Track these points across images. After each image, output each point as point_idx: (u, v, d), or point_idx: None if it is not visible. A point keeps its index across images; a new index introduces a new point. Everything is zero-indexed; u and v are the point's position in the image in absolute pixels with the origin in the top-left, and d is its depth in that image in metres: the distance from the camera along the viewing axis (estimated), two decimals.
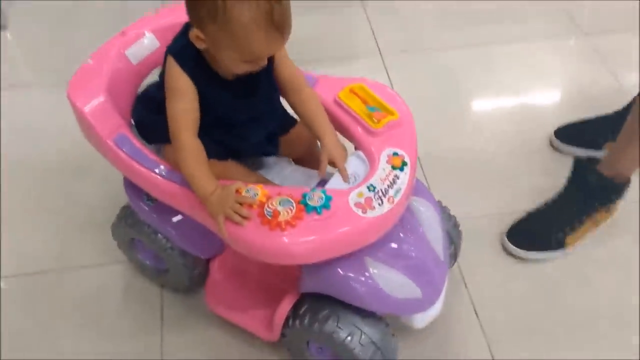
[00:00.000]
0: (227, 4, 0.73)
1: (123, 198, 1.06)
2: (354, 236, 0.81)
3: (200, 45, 0.80)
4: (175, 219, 0.97)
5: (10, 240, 1.21)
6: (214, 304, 1.03)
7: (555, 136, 1.37)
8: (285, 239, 0.78)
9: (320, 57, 1.57)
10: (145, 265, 1.11)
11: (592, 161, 1.18)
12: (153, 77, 0.96)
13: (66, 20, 1.75)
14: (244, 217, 0.78)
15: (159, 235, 1.00)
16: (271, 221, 0.78)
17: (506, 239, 1.19)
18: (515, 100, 1.51)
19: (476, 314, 1.10)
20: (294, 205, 0.79)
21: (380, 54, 1.60)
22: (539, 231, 1.19)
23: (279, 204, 0.79)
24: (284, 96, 0.93)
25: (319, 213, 0.79)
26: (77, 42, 1.63)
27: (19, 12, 1.75)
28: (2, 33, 1.70)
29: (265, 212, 0.79)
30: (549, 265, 1.17)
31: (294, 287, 0.95)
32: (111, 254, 1.15)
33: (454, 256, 1.10)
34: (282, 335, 0.96)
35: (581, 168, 1.19)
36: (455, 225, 1.08)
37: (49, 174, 1.33)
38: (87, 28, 1.69)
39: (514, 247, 1.18)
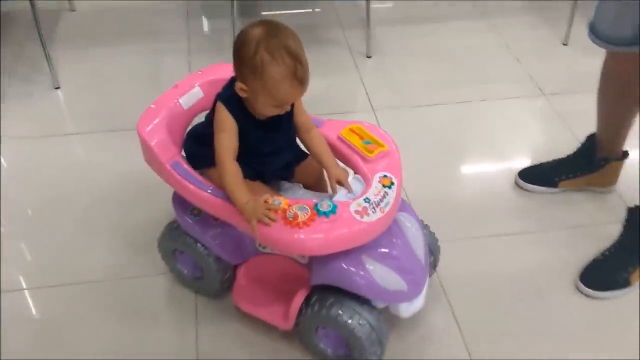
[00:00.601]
0: (264, 64, 1.01)
1: (165, 219, 1.33)
2: (353, 235, 1.05)
3: (242, 94, 1.07)
4: (213, 231, 1.22)
5: (73, 254, 1.46)
6: (239, 301, 1.26)
7: (519, 176, 1.64)
8: (302, 235, 1.03)
9: (324, 113, 1.86)
10: (183, 274, 1.35)
11: None
12: (198, 119, 1.25)
13: (106, 81, 2.06)
14: (272, 220, 1.04)
15: (199, 244, 1.24)
16: (292, 222, 1.03)
17: (580, 282, 1.37)
18: (489, 148, 1.80)
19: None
20: (309, 210, 1.05)
21: (373, 110, 1.91)
22: (608, 272, 1.37)
23: (298, 209, 1.05)
24: (298, 134, 1.21)
25: (327, 217, 1.04)
26: (114, 98, 1.96)
27: (68, 76, 2.07)
28: (57, 92, 2.01)
29: (287, 215, 1.04)
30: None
31: (304, 286, 1.19)
32: (155, 267, 1.40)
33: (433, 265, 1.34)
34: (296, 324, 1.19)
35: (635, 215, 1.39)
36: (435, 239, 1.34)
37: (104, 201, 1.60)
38: (123, 88, 2.01)
39: (590, 290, 1.36)
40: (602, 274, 1.39)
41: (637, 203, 1.41)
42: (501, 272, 1.43)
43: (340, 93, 1.99)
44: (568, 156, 1.62)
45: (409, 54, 2.18)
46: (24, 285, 1.41)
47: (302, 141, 1.22)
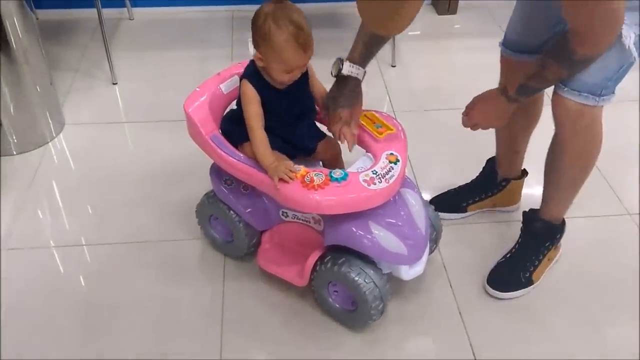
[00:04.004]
0: (271, 31, 1.19)
1: (202, 191, 1.53)
2: (360, 200, 1.22)
3: (259, 63, 1.26)
4: (243, 199, 1.41)
5: (125, 221, 1.69)
6: (263, 262, 1.45)
7: (430, 202, 1.61)
8: (317, 197, 1.20)
9: None
10: (215, 238, 1.54)
11: (535, 211, 1.47)
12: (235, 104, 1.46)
13: (158, 80, 2.32)
14: (291, 179, 1.22)
15: (231, 211, 1.43)
16: (309, 185, 1.21)
17: (487, 285, 1.46)
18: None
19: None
20: (324, 176, 1.23)
21: (394, 112, 2.09)
22: (511, 274, 1.46)
23: (315, 175, 1.23)
24: (316, 102, 1.39)
25: (339, 182, 1.22)
26: (163, 95, 2.21)
27: (125, 74, 2.33)
28: (115, 87, 2.28)
29: (305, 179, 1.22)
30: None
31: (319, 248, 1.36)
32: (191, 233, 1.62)
33: (434, 241, 1.49)
34: (310, 282, 1.36)
35: (529, 218, 1.48)
36: (437, 217, 1.49)
37: (151, 178, 1.83)
38: (171, 86, 2.25)
39: (495, 291, 1.45)
40: (506, 276, 1.47)
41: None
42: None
43: (368, 96, 2.15)
44: (472, 181, 1.70)
45: (429, 66, 2.38)
46: (83, 242, 1.64)
47: (319, 105, 1.41)
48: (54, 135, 2.03)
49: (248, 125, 1.29)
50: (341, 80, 1.35)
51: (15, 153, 1.95)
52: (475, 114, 1.36)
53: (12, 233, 1.64)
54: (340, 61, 1.33)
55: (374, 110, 1.43)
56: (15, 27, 1.82)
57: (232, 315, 1.42)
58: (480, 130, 1.40)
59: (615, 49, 1.16)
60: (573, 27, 1.11)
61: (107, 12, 2.25)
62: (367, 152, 1.36)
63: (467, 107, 1.38)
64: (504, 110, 1.31)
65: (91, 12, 2.24)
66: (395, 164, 1.29)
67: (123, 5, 2.65)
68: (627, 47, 1.15)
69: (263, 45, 1.23)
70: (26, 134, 1.97)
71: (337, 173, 1.24)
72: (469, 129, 1.40)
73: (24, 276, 1.52)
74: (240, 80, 1.32)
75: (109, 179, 1.84)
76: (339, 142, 1.39)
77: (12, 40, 1.82)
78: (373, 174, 1.25)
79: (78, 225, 1.69)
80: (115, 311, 1.44)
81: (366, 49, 1.33)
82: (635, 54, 1.18)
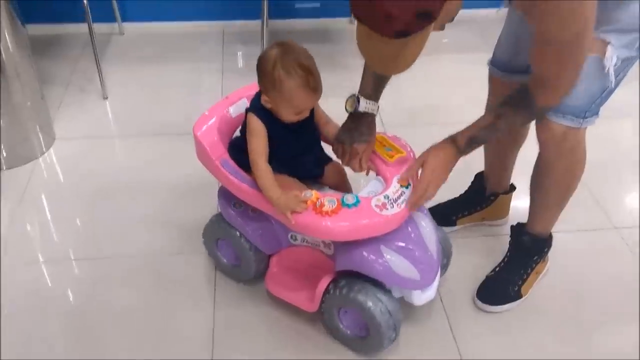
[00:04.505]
0: (281, 79, 1.18)
1: (210, 212, 1.52)
2: (373, 225, 1.22)
3: (267, 106, 1.25)
4: (251, 223, 1.39)
5: (115, 235, 1.68)
6: (272, 287, 1.43)
7: None
8: (329, 223, 1.19)
9: None
10: (222, 261, 1.52)
11: (523, 225, 1.49)
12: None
13: (149, 94, 2.30)
14: (303, 209, 1.20)
15: (240, 234, 1.41)
16: (321, 211, 1.20)
17: (477, 298, 1.48)
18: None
19: None
20: (336, 202, 1.22)
21: (382, 125, 2.07)
22: (500, 288, 1.48)
23: (327, 201, 1.22)
24: (319, 128, 1.38)
25: (350, 208, 1.21)
26: (154, 109, 2.20)
27: (115, 88, 2.30)
28: (106, 102, 2.25)
29: (317, 204, 1.21)
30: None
31: (329, 273, 1.35)
32: (183, 247, 1.62)
33: (445, 267, 1.49)
34: (320, 308, 1.34)
35: (516, 232, 1.50)
36: (449, 243, 1.49)
37: (141, 192, 1.83)
38: (163, 100, 2.24)
39: (484, 304, 1.47)
40: (495, 290, 1.49)
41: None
42: None
43: None
44: (461, 195, 1.72)
45: (419, 79, 2.38)
46: (72, 256, 1.62)
47: (323, 132, 1.40)
48: (44, 149, 2.00)
49: (251, 159, 1.27)
50: (357, 115, 1.34)
51: (5, 168, 1.91)
52: (427, 170, 1.26)
53: (2, 247, 1.63)
54: (355, 98, 1.32)
55: (383, 133, 1.43)
56: (6, 41, 1.79)
57: (226, 340, 1.41)
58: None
59: (597, 73, 1.19)
60: (536, 72, 1.14)
61: (98, 27, 2.22)
62: (377, 175, 1.36)
63: (417, 161, 1.29)
64: (452, 161, 1.26)
65: (82, 27, 2.22)
66: (407, 188, 1.29)
67: (114, 20, 2.62)
68: (606, 70, 1.19)
69: (272, 91, 1.22)
70: (16, 148, 1.93)
71: (349, 199, 1.23)
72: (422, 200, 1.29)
73: (14, 290, 1.51)
74: (246, 112, 1.31)
75: (99, 193, 1.83)
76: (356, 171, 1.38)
77: (3, 54, 1.79)
78: (385, 198, 1.25)
79: (67, 240, 1.68)
80: (103, 325, 1.43)
81: (376, 81, 1.34)
82: (612, 79, 1.21)
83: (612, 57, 1.18)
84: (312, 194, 1.24)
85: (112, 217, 1.74)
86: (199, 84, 2.36)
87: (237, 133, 1.40)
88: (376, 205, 1.23)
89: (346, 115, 1.37)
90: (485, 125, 1.24)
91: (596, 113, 1.27)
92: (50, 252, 1.63)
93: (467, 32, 2.74)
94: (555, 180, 1.37)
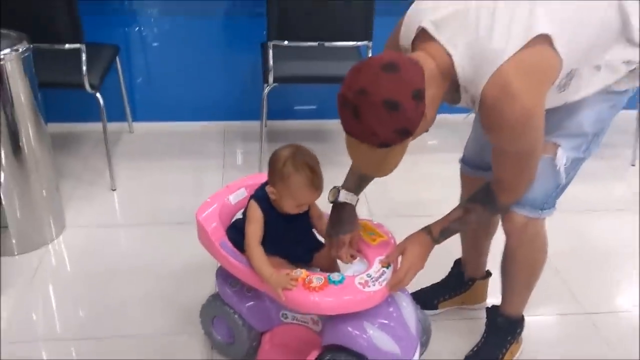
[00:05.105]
0: (290, 175, 1.36)
1: (196, 289, 1.64)
2: (356, 301, 1.34)
3: (272, 196, 1.42)
4: (246, 301, 1.51)
5: (118, 318, 1.77)
6: None
7: None
8: (317, 298, 1.32)
9: None
10: (217, 339, 1.63)
11: (497, 307, 1.61)
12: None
13: (155, 186, 2.47)
14: (293, 286, 1.34)
15: (234, 312, 1.52)
16: (309, 287, 1.34)
17: None
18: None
19: None
20: (323, 279, 1.35)
21: (371, 215, 2.22)
22: None
23: (315, 278, 1.36)
24: (312, 221, 1.54)
25: (336, 285, 1.34)
26: (159, 200, 2.37)
27: (124, 181, 2.49)
28: (114, 193, 2.43)
29: (306, 281, 1.35)
30: None
31: (317, 348, 1.46)
32: (185, 328, 1.71)
33: (425, 344, 1.59)
34: None
35: (491, 314, 1.63)
36: (428, 321, 1.59)
37: (147, 277, 1.94)
38: (167, 193, 2.41)
39: None
40: None
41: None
42: None
43: None
44: (442, 280, 1.83)
45: (402, 176, 2.57)
46: (86, 336, 1.71)
47: (315, 226, 1.56)
48: (55, 237, 2.13)
49: (246, 241, 1.42)
50: (338, 206, 1.51)
51: (16, 254, 2.04)
52: (406, 258, 1.40)
53: (9, 330, 1.72)
54: (337, 190, 1.50)
55: (368, 220, 1.59)
56: (29, 136, 1.97)
57: None
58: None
59: (550, 171, 1.37)
60: (497, 175, 1.33)
61: (110, 126, 2.43)
62: (360, 257, 1.51)
63: (397, 248, 1.43)
64: (428, 251, 1.42)
65: (95, 126, 2.46)
66: (388, 268, 1.43)
67: (124, 119, 2.86)
68: (557, 169, 1.37)
69: (280, 184, 1.38)
70: (28, 235, 2.07)
71: (335, 276, 1.37)
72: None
73: None
74: (249, 200, 1.48)
75: (103, 276, 1.95)
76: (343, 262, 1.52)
77: (25, 147, 1.97)
78: (368, 277, 1.39)
79: (70, 320, 1.78)
80: None
81: (358, 180, 1.52)
82: (563, 176, 1.39)
83: (562, 158, 1.37)
84: (301, 272, 1.38)
85: (114, 298, 1.85)
86: (201, 178, 2.55)
87: (239, 215, 1.56)
88: (359, 283, 1.37)
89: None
90: (456, 219, 1.42)
91: (553, 206, 1.44)
92: (52, 331, 1.73)
93: (447, 134, 2.96)
94: (519, 267, 1.52)
